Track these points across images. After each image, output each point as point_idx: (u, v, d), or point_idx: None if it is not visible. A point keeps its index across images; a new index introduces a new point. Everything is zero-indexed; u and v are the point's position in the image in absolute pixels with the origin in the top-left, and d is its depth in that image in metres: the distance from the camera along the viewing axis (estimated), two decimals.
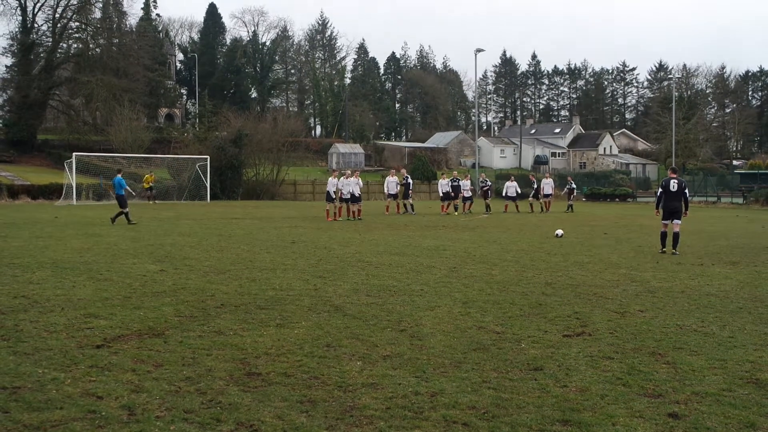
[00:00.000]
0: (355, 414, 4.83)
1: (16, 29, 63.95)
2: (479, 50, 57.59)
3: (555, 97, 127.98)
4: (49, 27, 64.86)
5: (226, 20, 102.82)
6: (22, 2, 62.84)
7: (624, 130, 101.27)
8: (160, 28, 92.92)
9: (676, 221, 15.09)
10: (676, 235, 15.09)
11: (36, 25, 64.79)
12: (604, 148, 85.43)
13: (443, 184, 31.77)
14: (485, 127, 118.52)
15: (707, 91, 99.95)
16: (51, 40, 64.71)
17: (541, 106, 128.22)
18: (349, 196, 25.95)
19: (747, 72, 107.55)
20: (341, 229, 21.15)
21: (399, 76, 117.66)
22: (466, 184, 32.56)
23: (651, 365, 6.13)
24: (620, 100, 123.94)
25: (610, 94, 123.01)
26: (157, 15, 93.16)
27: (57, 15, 63.84)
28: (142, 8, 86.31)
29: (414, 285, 10.32)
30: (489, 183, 35.38)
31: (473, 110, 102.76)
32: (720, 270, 12.50)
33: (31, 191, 40.84)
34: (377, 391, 5.31)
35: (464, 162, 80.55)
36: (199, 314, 8.04)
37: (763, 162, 66.11)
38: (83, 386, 5.33)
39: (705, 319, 8.14)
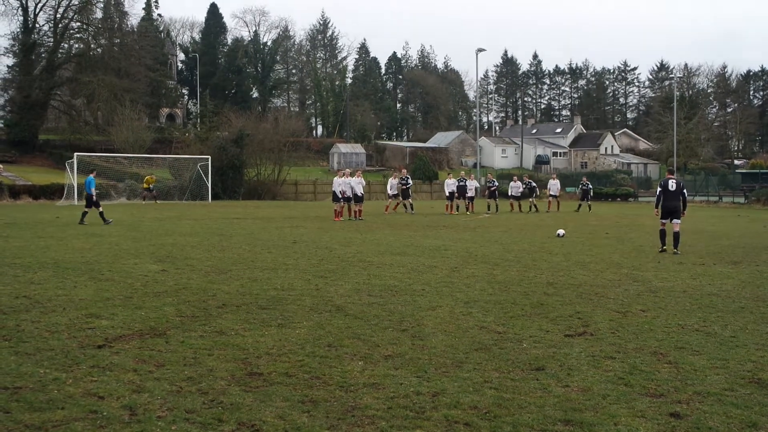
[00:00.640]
0: (357, 414, 4.82)
1: (18, 29, 64.16)
2: (480, 50, 57.59)
3: (556, 97, 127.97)
4: (50, 27, 64.97)
5: (228, 20, 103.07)
6: (24, 2, 62.97)
7: (625, 129, 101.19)
8: (161, 28, 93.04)
9: (675, 221, 15.12)
10: (676, 235, 15.09)
11: (37, 26, 64.93)
12: (606, 148, 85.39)
13: (449, 184, 31.87)
14: (486, 127, 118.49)
15: (709, 91, 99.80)
16: (52, 40, 64.80)
17: (543, 106, 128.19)
18: (351, 196, 25.91)
19: (748, 71, 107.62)
20: (342, 229, 21.15)
21: (400, 76, 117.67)
22: (472, 183, 32.73)
23: (653, 365, 6.12)
24: (621, 100, 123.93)
25: (611, 94, 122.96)
26: (159, 15, 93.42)
27: (58, 15, 63.98)
28: (143, 8, 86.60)
29: (415, 285, 10.32)
30: (496, 183, 35.44)
31: (474, 110, 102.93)
32: (722, 269, 12.48)
33: (33, 191, 40.93)
34: (379, 391, 5.31)
35: (465, 162, 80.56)
36: (200, 314, 8.04)
37: (765, 161, 66.10)
38: (85, 386, 5.33)
39: (707, 318, 8.14)
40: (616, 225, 24.44)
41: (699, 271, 12.30)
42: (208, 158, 44.30)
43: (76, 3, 63.80)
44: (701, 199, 50.07)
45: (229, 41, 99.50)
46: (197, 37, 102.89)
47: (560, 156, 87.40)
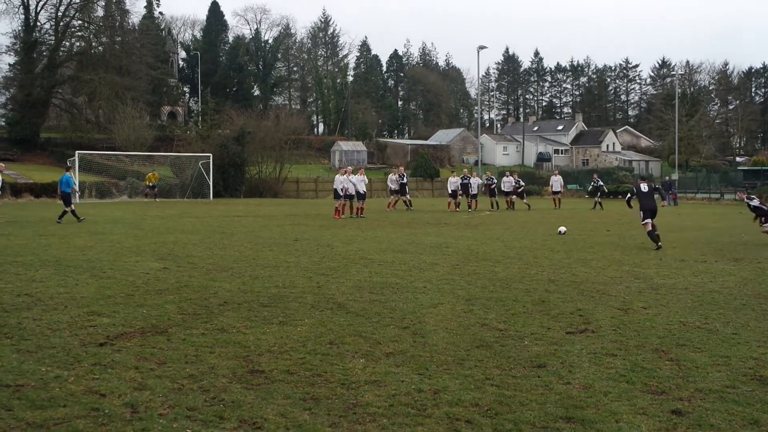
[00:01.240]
0: (358, 411, 4.83)
1: (19, 28, 64.08)
2: (482, 47, 57.44)
3: (558, 94, 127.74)
4: (51, 25, 64.89)
5: (229, 18, 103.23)
6: (25, 1, 62.89)
7: (627, 127, 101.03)
8: (162, 26, 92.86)
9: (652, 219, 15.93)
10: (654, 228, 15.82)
11: (39, 24, 64.85)
12: (607, 145, 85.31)
13: (452, 182, 32.00)
14: (488, 125, 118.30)
15: (710, 88, 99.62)
16: (54, 38, 64.73)
17: (544, 104, 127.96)
18: (353, 194, 25.91)
19: (750, 68, 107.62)
20: (344, 227, 21.15)
21: (401, 74, 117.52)
22: (475, 181, 32.92)
23: (654, 362, 6.12)
24: (623, 97, 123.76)
25: (612, 91, 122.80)
26: (160, 13, 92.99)
27: (60, 13, 63.89)
28: (144, 6, 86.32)
29: (417, 282, 10.32)
30: (495, 180, 35.56)
31: (476, 107, 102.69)
32: (723, 267, 12.47)
33: (34, 189, 40.91)
34: (380, 389, 5.31)
35: (467, 159, 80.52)
36: (201, 312, 8.04)
37: (766, 159, 65.97)
38: (86, 384, 5.34)
39: (708, 315, 8.13)
40: (617, 222, 24.41)
41: (701, 268, 12.28)
42: (209, 156, 44.30)
43: (78, 1, 63.74)
44: (703, 196, 50.00)
45: (231, 39, 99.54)
46: (198, 35, 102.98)
47: (562, 153, 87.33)
